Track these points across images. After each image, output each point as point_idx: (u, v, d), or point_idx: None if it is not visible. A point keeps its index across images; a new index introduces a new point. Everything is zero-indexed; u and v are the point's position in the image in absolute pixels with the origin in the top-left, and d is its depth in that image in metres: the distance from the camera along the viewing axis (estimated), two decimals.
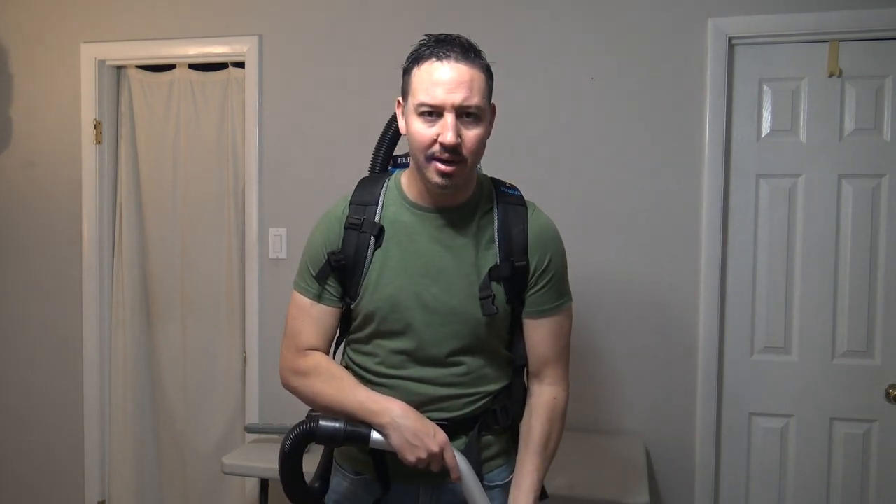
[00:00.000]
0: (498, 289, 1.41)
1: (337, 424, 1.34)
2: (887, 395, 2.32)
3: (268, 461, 2.19)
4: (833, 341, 2.36)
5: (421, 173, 1.36)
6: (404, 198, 1.43)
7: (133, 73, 2.90)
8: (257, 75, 2.70)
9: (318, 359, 1.44)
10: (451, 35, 1.34)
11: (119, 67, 2.92)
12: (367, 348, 1.46)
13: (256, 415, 2.74)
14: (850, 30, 2.28)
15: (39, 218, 2.94)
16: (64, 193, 2.89)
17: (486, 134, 1.37)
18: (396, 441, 1.32)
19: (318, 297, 1.45)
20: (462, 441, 1.42)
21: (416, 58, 1.34)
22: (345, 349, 1.54)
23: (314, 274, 1.45)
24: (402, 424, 1.32)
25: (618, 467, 2.14)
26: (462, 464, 1.36)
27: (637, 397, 2.45)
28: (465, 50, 1.32)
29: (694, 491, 2.42)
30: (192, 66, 2.84)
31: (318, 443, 1.38)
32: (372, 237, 1.41)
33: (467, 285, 1.40)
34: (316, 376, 1.42)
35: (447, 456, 1.33)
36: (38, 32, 2.90)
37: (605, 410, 2.47)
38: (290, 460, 1.36)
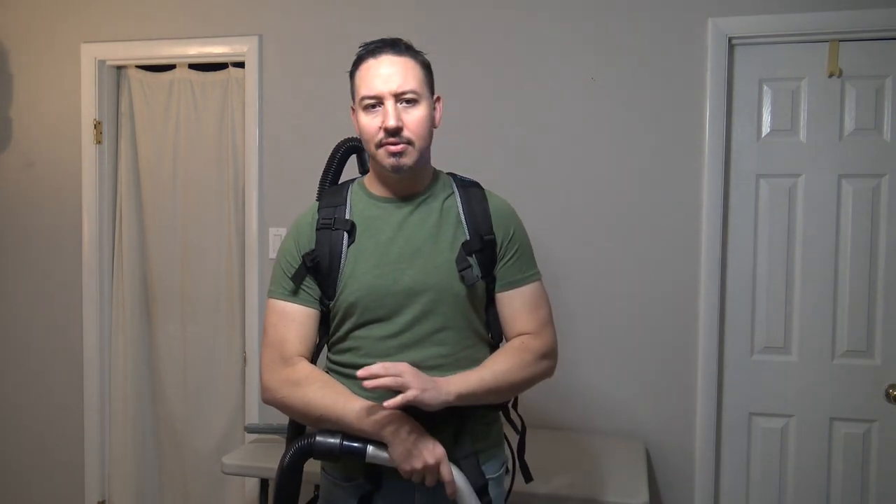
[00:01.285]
0: (472, 262, 1.47)
1: (333, 440, 1.35)
2: (887, 395, 2.32)
3: (268, 461, 2.19)
4: (833, 341, 2.36)
5: (377, 164, 1.46)
6: (369, 194, 1.52)
7: (133, 73, 2.90)
8: (257, 75, 2.70)
9: (308, 367, 1.44)
10: (384, 38, 1.46)
11: (119, 67, 2.92)
12: (348, 344, 1.47)
13: (256, 415, 2.74)
14: (850, 30, 2.28)
15: (39, 218, 2.94)
16: (64, 193, 2.89)
17: (429, 118, 1.46)
18: (397, 450, 1.33)
19: (296, 295, 1.47)
20: (449, 429, 1.42)
21: (356, 62, 1.46)
22: (323, 356, 1.53)
23: (290, 276, 1.47)
24: (404, 435, 1.34)
25: (618, 467, 2.14)
26: (458, 479, 1.36)
27: (637, 397, 2.45)
28: (396, 46, 1.44)
29: (694, 491, 2.42)
30: (192, 66, 2.84)
31: (316, 458, 1.38)
32: (345, 233, 1.47)
33: (443, 262, 1.46)
34: (307, 385, 1.41)
35: (443, 470, 1.34)
36: (38, 32, 2.90)
37: (605, 410, 2.47)
38: (289, 476, 1.38)
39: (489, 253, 1.50)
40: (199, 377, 2.87)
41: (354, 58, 1.47)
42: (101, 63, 2.85)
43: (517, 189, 2.50)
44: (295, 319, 1.47)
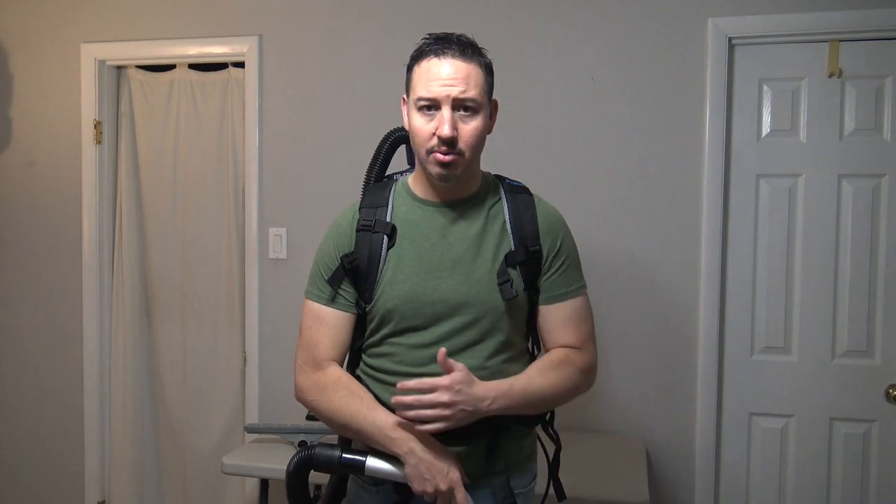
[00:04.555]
0: (514, 274, 1.42)
1: (333, 453, 1.36)
2: (887, 395, 2.32)
3: (268, 461, 2.19)
4: (833, 341, 2.36)
5: (423, 167, 1.40)
6: (413, 196, 1.46)
7: (133, 73, 2.90)
8: (257, 75, 2.70)
9: (338, 373, 1.43)
10: (450, 34, 1.38)
11: (119, 67, 2.92)
12: (383, 349, 1.44)
13: (256, 415, 2.74)
14: (850, 30, 2.28)
15: (39, 218, 2.94)
16: (64, 193, 2.89)
17: (485, 128, 1.40)
18: (411, 470, 1.31)
19: (333, 301, 1.44)
20: (482, 443, 1.39)
21: (417, 55, 1.38)
22: (358, 358, 1.51)
23: (327, 278, 1.44)
24: (420, 456, 1.31)
25: (618, 467, 2.14)
26: None
27: (637, 397, 2.45)
28: (462, 47, 1.36)
29: (694, 491, 2.42)
30: (192, 66, 2.84)
31: (316, 470, 1.39)
32: (385, 236, 1.42)
33: (484, 274, 1.41)
34: (334, 392, 1.39)
35: (458, 496, 1.31)
36: (38, 32, 2.90)
37: (605, 410, 2.47)
38: (294, 486, 1.40)
39: (534, 264, 1.44)
40: (199, 377, 2.87)
41: (416, 48, 1.39)
42: (101, 63, 2.85)
43: None
44: (328, 323, 1.45)
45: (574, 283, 1.48)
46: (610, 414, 2.47)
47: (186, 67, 2.84)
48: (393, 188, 1.48)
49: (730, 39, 2.35)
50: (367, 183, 1.61)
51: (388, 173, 1.62)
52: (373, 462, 1.36)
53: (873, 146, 2.32)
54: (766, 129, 2.39)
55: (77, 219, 2.88)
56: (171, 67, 2.86)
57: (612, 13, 2.43)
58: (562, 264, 1.46)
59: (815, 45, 2.32)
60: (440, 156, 1.34)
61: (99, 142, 2.86)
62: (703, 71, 2.37)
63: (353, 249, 1.43)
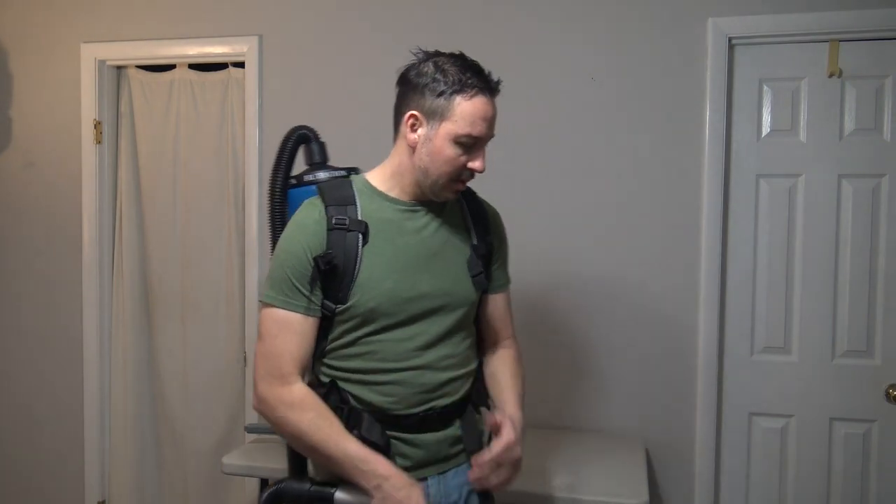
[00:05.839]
0: (481, 267, 1.54)
1: (303, 486, 1.41)
2: (887, 395, 2.32)
3: (268, 461, 2.19)
4: (833, 341, 2.36)
5: (432, 185, 1.44)
6: (384, 196, 1.48)
7: (133, 73, 2.90)
8: (257, 75, 2.70)
9: (304, 392, 1.41)
10: (479, 65, 1.43)
11: (119, 67, 2.92)
12: (358, 349, 1.44)
13: (256, 415, 2.73)
14: (850, 30, 2.28)
15: (39, 218, 2.94)
16: (64, 193, 2.89)
17: None
18: (377, 503, 1.36)
19: (301, 304, 1.41)
20: (457, 425, 1.51)
21: (462, 86, 1.38)
22: (315, 363, 1.49)
23: (299, 284, 1.40)
24: (388, 492, 1.34)
25: (618, 467, 2.14)
26: None
27: (637, 397, 2.45)
28: (496, 89, 1.44)
29: (694, 491, 2.42)
30: (192, 66, 2.84)
31: (287, 502, 1.43)
32: (360, 235, 1.42)
33: (458, 267, 1.51)
34: (302, 412, 1.39)
35: None
36: (38, 32, 2.90)
37: (605, 410, 2.47)
38: None
39: (489, 256, 1.57)
40: (199, 377, 2.87)
41: (454, 76, 1.38)
42: (101, 63, 2.85)
43: (517, 189, 2.51)
44: (297, 331, 1.42)
45: (507, 275, 1.67)
46: (610, 414, 2.47)
47: (186, 67, 2.84)
48: (353, 187, 1.48)
49: (730, 39, 2.35)
50: (275, 182, 1.65)
51: (293, 173, 1.69)
52: (341, 495, 1.39)
53: (873, 146, 2.32)
54: (766, 129, 2.39)
55: (77, 219, 2.88)
56: (171, 67, 2.86)
57: (612, 13, 2.43)
58: (503, 256, 1.64)
59: (815, 45, 2.32)
60: (462, 185, 1.46)
61: (99, 142, 2.86)
62: (703, 71, 2.37)
63: (326, 249, 1.40)
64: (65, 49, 2.87)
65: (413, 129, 1.42)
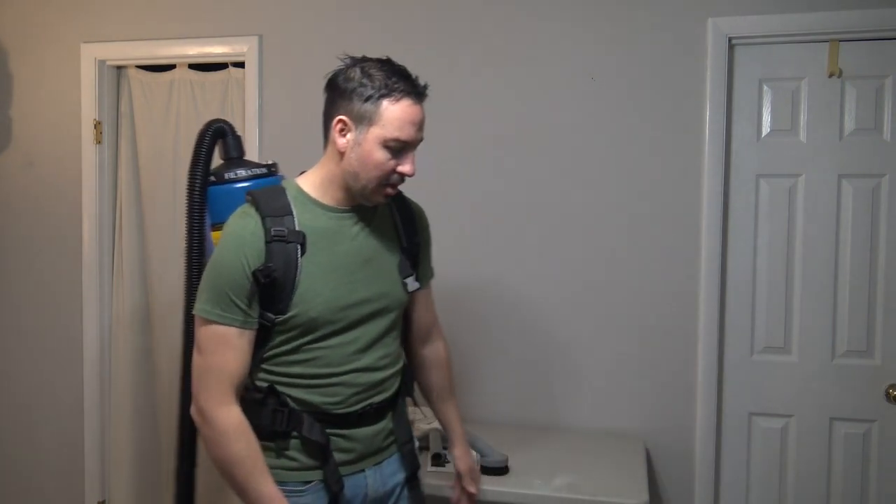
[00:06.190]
0: (411, 269, 1.61)
1: None
2: (887, 395, 2.32)
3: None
4: (833, 341, 2.36)
5: (362, 190, 1.46)
6: (318, 204, 1.49)
7: (133, 73, 2.90)
8: (257, 75, 2.70)
9: (237, 419, 1.42)
10: (406, 70, 1.45)
11: (119, 67, 2.92)
12: (301, 356, 1.47)
13: None
14: (850, 30, 2.28)
15: (39, 218, 2.93)
16: (64, 193, 2.89)
17: None
18: None
19: (241, 318, 1.40)
20: (389, 417, 1.59)
21: (389, 91, 1.40)
22: (252, 369, 1.48)
23: (237, 299, 1.39)
24: None
25: (618, 467, 2.15)
26: None
27: (637, 397, 2.45)
28: (424, 95, 1.46)
29: (694, 491, 2.42)
30: (192, 66, 2.84)
31: None
32: (299, 246, 1.42)
33: (390, 270, 1.56)
34: (235, 439, 1.41)
35: None
36: (38, 32, 2.90)
37: (605, 410, 2.47)
38: None
39: (417, 254, 1.63)
40: None
41: (380, 80, 1.40)
42: (101, 63, 2.85)
43: (517, 188, 2.51)
44: (235, 346, 1.41)
45: (431, 268, 1.74)
46: (610, 414, 2.47)
47: (186, 67, 2.84)
48: (287, 195, 1.47)
49: (730, 39, 2.35)
50: (194, 179, 1.65)
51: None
52: None
53: (873, 146, 2.32)
54: (766, 129, 2.39)
55: (77, 219, 2.88)
56: (171, 67, 2.86)
57: (612, 13, 2.43)
58: (428, 251, 1.70)
59: (815, 45, 2.32)
60: (392, 190, 1.47)
61: (99, 142, 2.86)
62: (703, 71, 2.37)
63: (267, 263, 1.39)
64: (65, 49, 2.87)
65: (342, 133, 1.44)
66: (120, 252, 2.92)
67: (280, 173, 1.79)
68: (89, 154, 2.86)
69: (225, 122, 1.77)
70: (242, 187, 1.67)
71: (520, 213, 2.51)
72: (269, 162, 1.76)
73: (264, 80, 2.71)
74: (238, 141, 1.79)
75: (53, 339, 2.95)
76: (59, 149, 2.89)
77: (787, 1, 2.31)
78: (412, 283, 1.58)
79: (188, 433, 1.77)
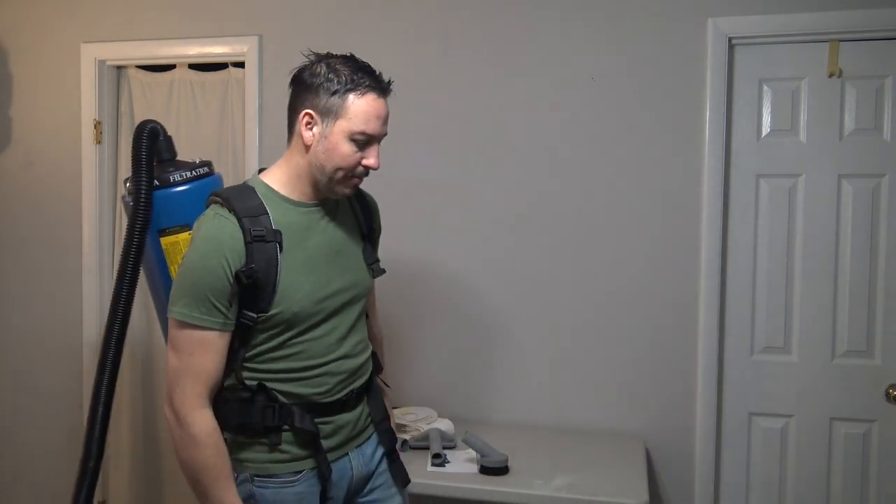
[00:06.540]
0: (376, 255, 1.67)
1: None
2: (887, 395, 2.32)
3: None
4: (833, 341, 2.36)
5: (328, 182, 1.49)
6: (287, 200, 1.51)
7: (133, 73, 2.90)
8: (257, 75, 2.70)
9: (212, 426, 1.42)
10: (370, 66, 1.50)
11: (119, 67, 2.92)
12: (285, 351, 1.49)
13: None
14: (850, 30, 2.28)
15: (39, 218, 2.93)
16: (64, 193, 2.89)
17: None
18: None
19: (224, 325, 1.41)
20: (365, 400, 1.64)
21: (355, 85, 1.45)
22: (237, 368, 1.48)
23: (217, 301, 1.39)
24: None
25: (618, 467, 2.15)
26: None
27: (637, 397, 2.45)
28: (388, 90, 1.51)
29: (694, 491, 2.42)
30: (192, 66, 2.84)
31: None
32: (277, 244, 1.44)
33: (359, 258, 1.62)
34: (204, 445, 1.40)
35: None
36: (38, 32, 2.90)
37: (605, 410, 2.47)
38: None
39: (375, 242, 1.71)
40: None
41: (346, 76, 1.45)
42: (101, 63, 2.85)
43: (517, 188, 2.51)
44: (214, 348, 1.41)
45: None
46: (610, 414, 2.47)
47: (186, 67, 2.84)
48: (257, 193, 1.48)
49: (730, 39, 2.35)
50: (140, 183, 1.65)
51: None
52: None
53: (873, 146, 2.32)
54: (766, 129, 2.39)
55: (77, 219, 2.88)
56: (171, 67, 2.86)
57: (613, 13, 2.43)
58: (378, 239, 1.74)
59: (815, 45, 2.32)
60: (357, 181, 1.51)
61: (99, 142, 2.86)
62: (703, 71, 2.37)
63: (249, 263, 1.40)
64: (65, 49, 2.87)
65: (308, 127, 1.47)
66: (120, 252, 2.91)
67: (217, 171, 1.80)
68: (89, 154, 2.86)
69: (156, 121, 1.74)
70: (186, 189, 1.68)
71: (520, 215, 2.51)
72: (199, 161, 1.76)
73: (264, 80, 2.71)
74: (170, 142, 1.76)
75: (53, 339, 2.94)
76: (58, 149, 2.89)
77: (787, 1, 2.31)
78: (378, 269, 1.65)
79: (101, 428, 1.83)
